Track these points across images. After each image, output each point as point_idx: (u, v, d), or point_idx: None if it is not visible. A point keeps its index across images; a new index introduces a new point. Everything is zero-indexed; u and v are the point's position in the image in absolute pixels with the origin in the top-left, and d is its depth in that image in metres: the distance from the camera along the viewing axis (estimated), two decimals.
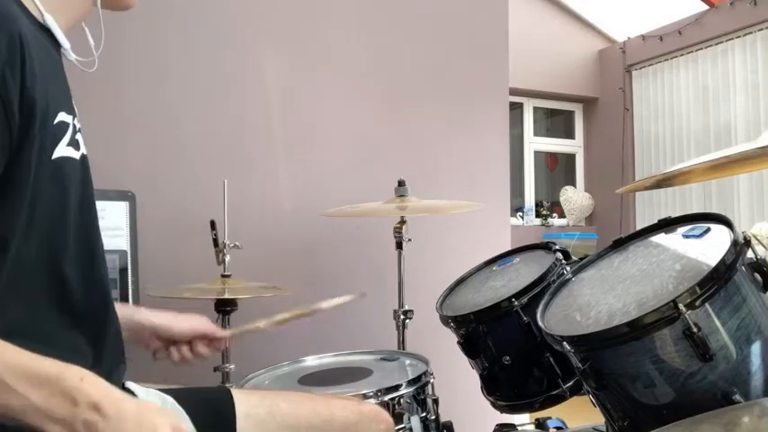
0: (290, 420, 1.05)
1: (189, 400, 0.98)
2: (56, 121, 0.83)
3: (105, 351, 0.92)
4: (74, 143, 0.88)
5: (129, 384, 0.97)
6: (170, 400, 0.97)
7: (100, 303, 0.94)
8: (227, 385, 1.77)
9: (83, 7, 0.96)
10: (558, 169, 5.98)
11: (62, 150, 0.84)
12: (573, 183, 5.84)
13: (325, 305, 1.30)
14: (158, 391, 0.98)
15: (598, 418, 1.49)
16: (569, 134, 5.94)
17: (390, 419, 1.17)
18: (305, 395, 1.17)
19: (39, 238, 0.82)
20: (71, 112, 0.89)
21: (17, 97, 0.75)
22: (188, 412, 0.95)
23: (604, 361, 1.15)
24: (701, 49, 4.89)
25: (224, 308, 1.81)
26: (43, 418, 0.68)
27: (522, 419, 2.42)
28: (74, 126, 0.88)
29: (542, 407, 1.66)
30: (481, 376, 1.71)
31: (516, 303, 1.57)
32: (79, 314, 0.88)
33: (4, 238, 0.78)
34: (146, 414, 0.73)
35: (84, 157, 0.92)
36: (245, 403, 1.02)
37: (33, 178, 0.79)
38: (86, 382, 0.71)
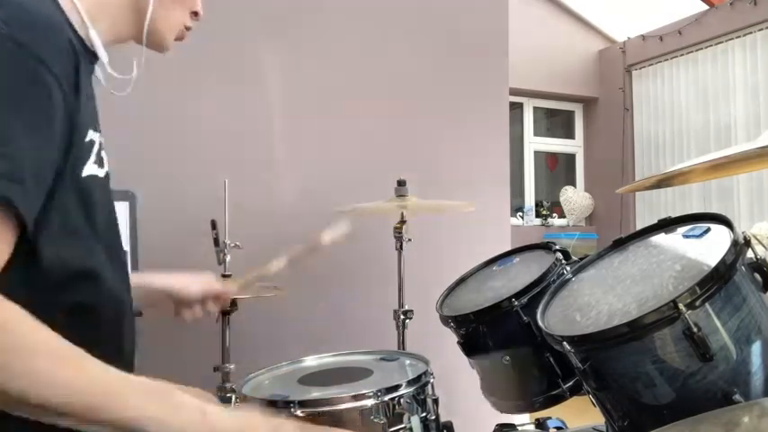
0: None
1: None
2: (87, 140, 0.83)
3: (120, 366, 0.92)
4: (99, 161, 0.88)
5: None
6: None
7: (118, 320, 0.94)
8: (226, 385, 1.78)
9: (124, 34, 0.98)
10: (558, 169, 5.98)
11: (90, 169, 0.84)
12: (573, 183, 5.84)
13: (327, 237, 1.30)
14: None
15: (598, 418, 1.49)
16: (569, 134, 5.94)
17: None
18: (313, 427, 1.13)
19: (67, 253, 0.82)
20: (97, 129, 0.89)
21: (69, 111, 0.76)
22: None
23: (604, 361, 1.15)
24: (701, 49, 4.89)
25: (224, 308, 1.81)
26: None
27: (522, 419, 2.42)
28: (99, 143, 0.88)
29: (542, 407, 1.65)
30: (481, 376, 1.71)
31: (516, 303, 1.57)
32: (100, 332, 0.88)
33: (33, 250, 0.76)
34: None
35: (107, 174, 0.92)
36: None
37: (64, 194, 0.79)
38: (209, 406, 0.77)
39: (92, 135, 0.85)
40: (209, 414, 0.75)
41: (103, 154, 0.91)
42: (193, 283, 1.22)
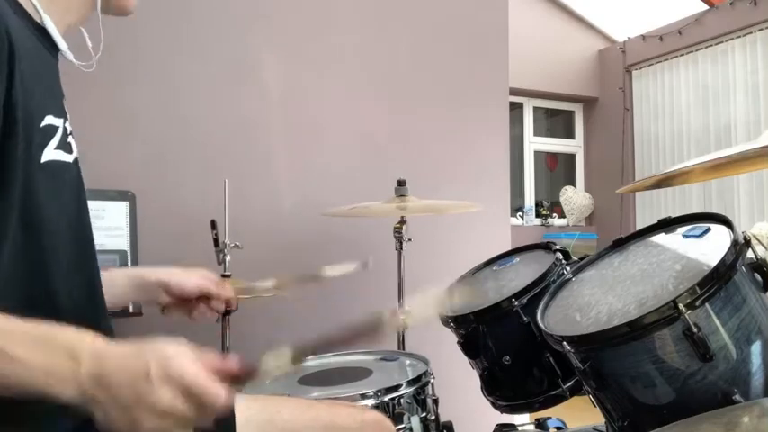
0: (291, 427, 1.04)
1: None
2: (42, 124, 0.82)
3: None
4: (64, 146, 0.87)
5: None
6: None
7: (91, 307, 0.94)
8: None
9: (83, 11, 0.96)
10: (558, 169, 5.98)
11: (51, 153, 0.83)
12: (573, 183, 5.84)
13: (330, 272, 1.27)
14: None
15: (598, 418, 1.49)
16: (569, 134, 5.94)
17: (393, 428, 1.16)
18: (308, 402, 1.16)
19: (33, 241, 0.81)
20: (60, 114, 0.88)
21: (2, 103, 0.74)
22: None
23: (604, 361, 1.15)
24: (701, 49, 4.89)
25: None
26: (51, 380, 0.66)
27: (522, 419, 2.42)
28: (64, 129, 0.87)
29: (542, 407, 1.65)
30: (481, 376, 1.71)
31: (516, 303, 1.57)
32: (69, 320, 0.87)
33: None
34: (151, 345, 0.70)
35: (76, 160, 0.92)
36: (246, 410, 1.01)
37: (23, 181, 0.78)
38: (87, 339, 0.70)
39: (51, 120, 0.84)
40: (86, 358, 0.67)
41: (71, 140, 0.90)
42: (190, 278, 1.18)
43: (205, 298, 1.20)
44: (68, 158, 0.88)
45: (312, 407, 1.12)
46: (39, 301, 0.83)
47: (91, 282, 0.95)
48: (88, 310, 0.93)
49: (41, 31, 0.89)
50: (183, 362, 0.69)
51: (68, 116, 0.92)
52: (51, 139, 0.84)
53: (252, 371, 0.75)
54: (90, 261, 0.94)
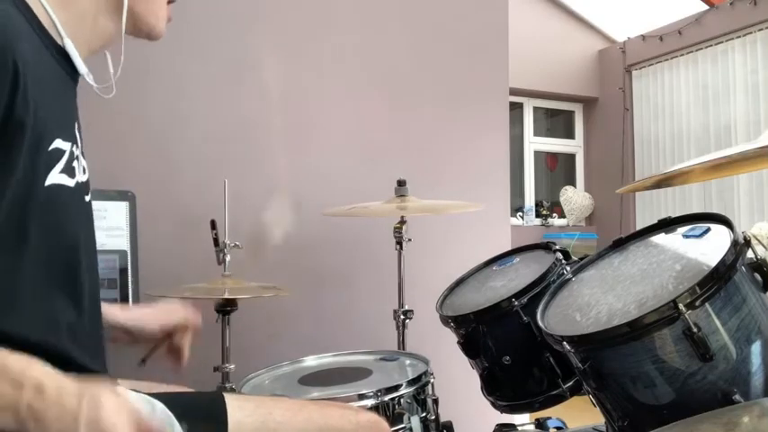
0: (283, 429, 1.03)
1: (180, 405, 0.96)
2: (50, 148, 0.82)
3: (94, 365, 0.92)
4: (68, 170, 0.87)
5: (119, 389, 0.96)
6: (160, 405, 0.94)
7: (90, 326, 0.93)
8: (226, 385, 1.77)
9: (108, 35, 0.96)
10: (558, 169, 5.98)
11: (54, 177, 0.83)
12: (573, 183, 5.84)
13: None
14: (148, 396, 0.96)
15: (598, 418, 1.49)
16: (569, 134, 5.94)
17: (388, 429, 1.14)
18: (302, 403, 1.14)
19: (32, 262, 0.81)
20: (69, 139, 0.88)
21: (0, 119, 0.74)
22: (178, 418, 0.93)
23: (604, 361, 1.15)
24: (701, 49, 4.89)
25: (224, 308, 1.81)
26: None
27: (522, 419, 2.42)
28: (71, 153, 0.87)
29: (542, 407, 1.65)
30: (481, 376, 1.71)
31: (516, 303, 1.57)
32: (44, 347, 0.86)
33: None
34: (92, 392, 0.71)
35: (80, 184, 0.91)
36: (238, 410, 1.00)
37: (24, 204, 0.78)
38: (36, 368, 0.70)
39: (59, 144, 0.84)
40: (28, 388, 0.68)
41: (76, 164, 0.90)
42: (151, 320, 1.16)
43: (170, 335, 1.20)
44: (70, 182, 0.87)
45: (304, 408, 1.09)
46: (30, 327, 0.82)
47: (93, 317, 0.94)
48: (76, 343, 0.91)
49: (63, 54, 0.89)
50: (113, 418, 0.70)
51: (78, 141, 0.92)
52: (57, 162, 0.84)
53: None
54: (87, 286, 0.93)
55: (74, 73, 0.92)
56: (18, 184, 0.77)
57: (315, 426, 1.05)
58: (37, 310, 0.84)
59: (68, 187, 0.87)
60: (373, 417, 1.14)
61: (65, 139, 0.86)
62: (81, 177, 0.92)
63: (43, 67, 0.82)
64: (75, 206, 0.91)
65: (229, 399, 1.01)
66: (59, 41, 0.88)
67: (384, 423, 1.14)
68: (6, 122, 0.75)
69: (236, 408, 1.00)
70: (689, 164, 1.17)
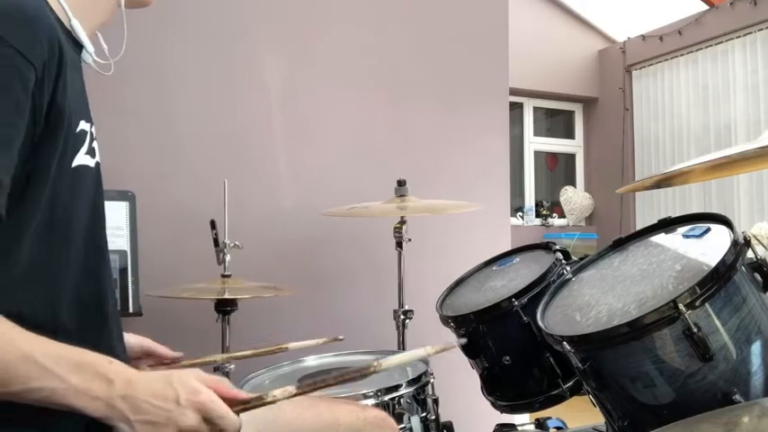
0: (294, 425, 1.04)
1: None
2: (78, 130, 0.85)
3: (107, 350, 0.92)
4: (90, 151, 0.89)
5: (193, 370, 0.96)
6: None
7: (98, 316, 0.94)
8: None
9: (107, 12, 0.98)
10: (558, 169, 5.98)
11: (81, 159, 0.86)
12: (573, 183, 5.84)
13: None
14: None
15: (598, 418, 1.49)
16: (569, 134, 5.94)
17: (396, 426, 1.16)
18: (310, 400, 1.17)
19: (55, 242, 0.83)
20: (89, 119, 0.90)
21: (46, 106, 0.77)
22: None
23: (604, 361, 1.15)
24: (701, 49, 4.89)
25: (224, 308, 1.81)
26: (84, 399, 0.74)
27: (522, 419, 2.42)
28: (91, 134, 0.90)
29: (542, 407, 1.65)
30: (481, 376, 1.71)
31: (516, 303, 1.57)
32: (81, 320, 0.88)
33: (18, 238, 0.78)
34: (177, 375, 0.80)
35: (98, 164, 0.93)
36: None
37: (52, 185, 0.81)
38: (115, 363, 0.78)
39: (83, 125, 0.86)
40: (119, 382, 0.76)
41: (95, 144, 0.92)
42: (131, 336, 1.17)
43: (147, 355, 1.21)
44: (91, 163, 0.90)
45: (314, 405, 1.11)
46: (48, 304, 0.84)
47: (101, 290, 0.94)
48: (95, 318, 0.93)
49: (69, 35, 0.90)
50: (208, 392, 0.80)
51: (93, 120, 0.94)
52: (83, 144, 0.87)
53: (258, 401, 0.85)
54: (101, 268, 0.95)
55: (78, 51, 0.93)
56: (56, 167, 0.81)
57: (324, 421, 1.08)
58: (74, 290, 0.87)
59: (90, 168, 0.90)
60: (381, 413, 1.17)
61: (86, 120, 0.88)
62: (98, 157, 0.94)
63: (63, 46, 0.84)
64: (96, 185, 0.93)
65: (239, 395, 1.02)
66: (66, 23, 0.90)
67: (390, 420, 1.17)
68: (51, 107, 0.78)
69: None
70: (689, 164, 1.17)
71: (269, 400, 0.85)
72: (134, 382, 0.77)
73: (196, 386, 0.79)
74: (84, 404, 0.74)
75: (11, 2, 0.77)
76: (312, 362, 1.71)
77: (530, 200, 5.62)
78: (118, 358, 0.83)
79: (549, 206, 5.65)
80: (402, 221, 2.09)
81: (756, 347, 1.08)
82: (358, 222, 2.45)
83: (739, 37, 4.62)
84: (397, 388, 1.39)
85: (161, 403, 0.77)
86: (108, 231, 0.95)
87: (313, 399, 1.20)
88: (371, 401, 1.34)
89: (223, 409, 0.80)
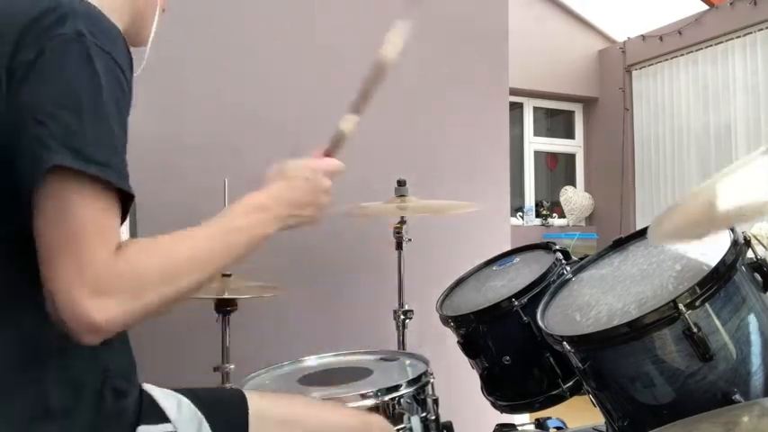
0: (304, 423, 1.07)
1: (204, 401, 1.00)
2: None
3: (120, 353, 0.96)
4: None
5: (146, 386, 0.98)
6: (186, 401, 0.98)
7: None
8: (226, 386, 1.77)
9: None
10: (558, 169, 5.98)
11: None
12: (573, 183, 5.84)
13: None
14: (174, 392, 1.00)
15: (598, 418, 1.49)
16: (569, 134, 5.93)
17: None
18: (319, 403, 1.21)
19: None
20: None
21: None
22: (203, 413, 0.97)
23: (604, 361, 1.15)
24: (701, 49, 4.89)
25: (224, 308, 1.81)
26: (266, 231, 0.99)
27: (522, 419, 2.42)
28: None
29: (542, 407, 1.66)
30: (481, 376, 1.71)
31: (516, 303, 1.57)
32: None
33: None
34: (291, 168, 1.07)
35: None
36: (258, 406, 1.04)
37: None
38: (253, 198, 1.03)
39: None
40: (269, 204, 1.01)
41: None
42: None
43: None
44: None
45: (322, 407, 1.17)
46: None
47: None
48: None
49: None
50: (315, 161, 1.13)
51: None
52: None
53: (338, 140, 1.16)
54: None
55: None
56: None
57: (330, 423, 1.10)
58: None
59: None
60: (383, 421, 1.20)
61: None
62: None
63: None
64: None
65: (249, 395, 1.05)
66: None
67: (392, 428, 1.22)
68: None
69: (256, 404, 1.04)
70: None
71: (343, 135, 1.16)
72: (276, 196, 1.02)
73: (302, 164, 1.08)
74: (266, 232, 0.99)
75: (101, 18, 0.84)
76: (312, 362, 1.71)
77: (530, 200, 5.62)
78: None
79: (549, 206, 5.65)
80: (402, 221, 2.09)
81: (756, 347, 1.08)
82: (358, 222, 2.45)
83: (739, 37, 4.62)
84: (397, 388, 1.38)
85: (303, 188, 1.05)
86: None
87: (322, 402, 1.25)
88: (371, 401, 1.34)
89: (330, 165, 1.13)
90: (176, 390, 1.01)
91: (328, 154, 1.16)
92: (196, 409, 0.97)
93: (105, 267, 0.74)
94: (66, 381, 0.82)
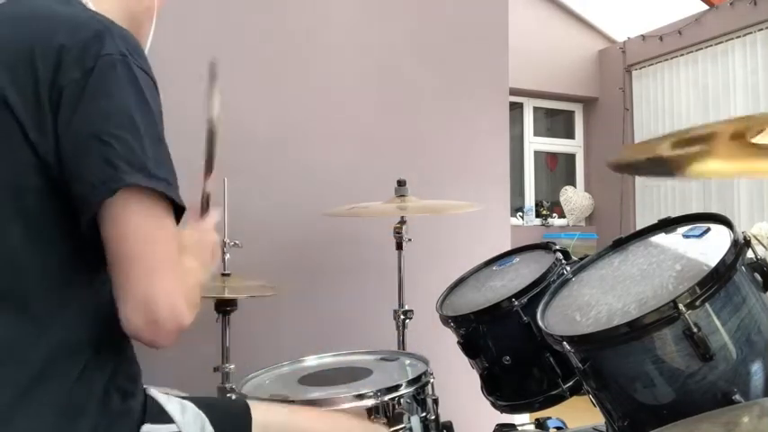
0: None
1: (208, 409, 1.00)
2: None
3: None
4: None
5: (151, 391, 0.98)
6: (190, 404, 0.99)
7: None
8: (226, 386, 1.77)
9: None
10: (558, 169, 5.98)
11: None
12: (573, 183, 5.84)
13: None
14: (179, 398, 1.00)
15: (598, 418, 1.49)
16: (569, 134, 5.93)
17: None
18: (325, 413, 1.22)
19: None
20: None
21: None
22: (206, 417, 0.98)
23: (604, 361, 1.15)
24: (701, 49, 4.89)
25: (224, 307, 1.81)
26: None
27: (522, 419, 2.42)
28: None
29: (542, 407, 1.65)
30: (481, 376, 1.71)
31: (516, 303, 1.57)
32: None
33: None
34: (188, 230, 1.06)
35: None
36: (262, 416, 1.04)
37: None
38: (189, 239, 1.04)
39: None
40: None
41: None
42: None
43: None
44: None
45: (329, 417, 1.19)
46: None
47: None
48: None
49: None
50: (199, 225, 1.17)
51: None
52: None
53: (206, 200, 1.27)
54: None
55: None
56: None
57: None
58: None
59: None
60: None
61: None
62: None
63: None
64: None
65: (253, 405, 1.06)
66: None
67: None
68: None
69: (261, 413, 1.05)
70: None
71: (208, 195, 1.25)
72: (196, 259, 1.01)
73: (199, 229, 1.13)
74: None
75: (135, 40, 0.90)
76: (312, 362, 1.71)
77: (530, 200, 5.62)
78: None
79: (549, 206, 5.65)
80: (402, 221, 2.09)
81: (756, 347, 1.08)
82: (358, 222, 2.45)
83: (739, 37, 4.62)
84: (396, 388, 1.39)
85: (201, 241, 1.09)
86: None
87: (328, 412, 1.26)
88: (371, 402, 1.34)
89: (212, 219, 1.20)
90: (182, 397, 1.02)
91: (203, 213, 1.23)
92: (199, 412, 0.98)
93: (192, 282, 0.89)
94: (85, 378, 0.84)
